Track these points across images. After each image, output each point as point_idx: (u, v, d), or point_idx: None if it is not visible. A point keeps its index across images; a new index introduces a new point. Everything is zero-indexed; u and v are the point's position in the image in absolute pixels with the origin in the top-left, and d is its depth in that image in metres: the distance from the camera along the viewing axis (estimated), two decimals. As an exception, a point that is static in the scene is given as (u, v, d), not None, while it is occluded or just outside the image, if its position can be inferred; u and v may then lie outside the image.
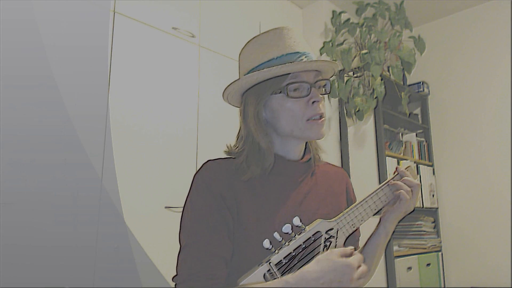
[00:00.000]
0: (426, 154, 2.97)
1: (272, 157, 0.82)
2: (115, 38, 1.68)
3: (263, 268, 0.68)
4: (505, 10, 2.73)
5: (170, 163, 1.79)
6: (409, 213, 0.89)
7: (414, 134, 2.95)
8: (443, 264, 2.79)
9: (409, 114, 2.90)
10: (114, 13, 1.69)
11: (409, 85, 2.99)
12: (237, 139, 0.88)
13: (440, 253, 2.79)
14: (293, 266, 0.70)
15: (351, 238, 0.82)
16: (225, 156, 0.87)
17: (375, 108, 2.53)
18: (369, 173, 2.51)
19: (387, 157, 2.52)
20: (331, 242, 0.76)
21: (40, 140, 1.40)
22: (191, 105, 1.93)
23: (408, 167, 0.90)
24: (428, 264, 2.65)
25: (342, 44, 2.55)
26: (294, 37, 0.84)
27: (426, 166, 2.88)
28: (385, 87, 2.40)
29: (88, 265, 1.45)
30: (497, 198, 2.62)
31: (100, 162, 1.55)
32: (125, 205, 1.59)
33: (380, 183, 0.88)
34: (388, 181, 0.87)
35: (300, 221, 0.72)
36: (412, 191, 0.86)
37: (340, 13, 2.60)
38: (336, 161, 2.48)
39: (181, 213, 0.81)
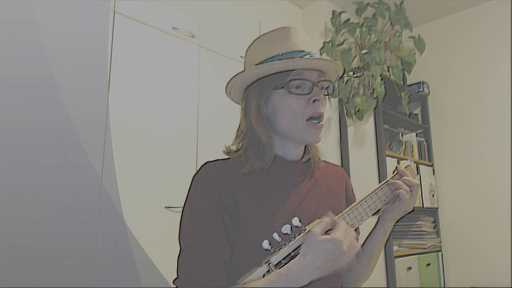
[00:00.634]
0: (426, 154, 2.97)
1: (272, 152, 0.83)
2: (115, 38, 1.68)
3: (263, 269, 0.68)
4: (505, 10, 2.72)
5: (170, 163, 1.79)
6: (408, 213, 0.89)
7: (414, 134, 2.95)
8: (443, 264, 2.79)
9: (409, 114, 2.90)
10: (114, 13, 1.69)
11: (409, 85, 2.99)
12: (237, 135, 0.88)
13: (440, 253, 2.79)
14: (293, 266, 0.70)
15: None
16: (224, 157, 0.87)
17: (375, 108, 2.53)
18: (369, 173, 2.51)
19: (387, 157, 2.52)
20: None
21: (40, 140, 1.40)
22: (191, 105, 1.93)
23: (407, 166, 0.90)
24: (428, 264, 2.65)
25: (342, 44, 2.55)
26: (301, 37, 0.84)
27: (426, 166, 2.88)
28: (385, 87, 2.40)
29: (88, 265, 1.45)
30: (497, 198, 2.62)
31: (100, 162, 1.55)
32: (125, 205, 1.59)
33: (380, 183, 0.87)
34: (388, 181, 0.87)
35: (300, 222, 0.72)
36: (411, 191, 0.85)
37: (340, 13, 2.60)
38: (336, 161, 2.48)
39: (181, 214, 0.81)
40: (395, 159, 2.64)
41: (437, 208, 2.87)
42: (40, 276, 1.32)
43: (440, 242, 2.83)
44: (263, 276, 0.68)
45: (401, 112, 2.90)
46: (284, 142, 0.85)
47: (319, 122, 0.82)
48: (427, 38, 2.74)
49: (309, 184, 0.87)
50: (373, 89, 2.38)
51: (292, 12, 2.73)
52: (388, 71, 2.73)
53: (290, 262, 0.67)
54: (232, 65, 2.13)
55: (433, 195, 2.85)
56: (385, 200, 0.86)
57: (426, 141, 3.00)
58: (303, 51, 0.82)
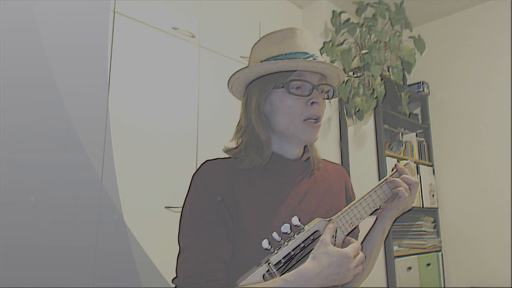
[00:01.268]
0: (426, 154, 2.97)
1: (270, 149, 0.83)
2: (115, 38, 1.68)
3: (262, 269, 0.68)
4: (505, 10, 2.72)
5: (170, 163, 1.79)
6: (407, 211, 0.89)
7: (414, 134, 2.95)
8: (443, 264, 2.79)
9: (409, 114, 2.90)
10: (114, 13, 1.69)
11: (409, 85, 2.98)
12: (236, 130, 0.88)
13: (440, 253, 2.79)
14: (292, 266, 0.70)
15: (351, 235, 0.81)
16: (225, 155, 0.87)
17: (375, 108, 2.53)
18: (369, 173, 2.51)
19: (387, 157, 2.52)
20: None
21: (40, 140, 1.41)
22: (191, 105, 1.93)
23: (406, 163, 0.90)
24: (428, 264, 2.65)
25: (342, 44, 2.55)
26: (306, 39, 0.85)
27: (426, 166, 2.88)
28: (385, 87, 2.40)
29: (88, 265, 1.45)
30: (497, 198, 2.62)
31: (100, 162, 1.55)
32: (125, 205, 1.59)
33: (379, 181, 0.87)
34: (387, 179, 0.87)
35: (299, 221, 0.72)
36: (410, 189, 0.85)
37: (340, 13, 2.60)
38: (336, 161, 2.48)
39: (180, 213, 0.81)
40: (395, 159, 2.64)
41: (437, 208, 2.87)
42: (40, 276, 1.32)
43: (440, 242, 2.83)
44: (263, 276, 0.68)
45: (401, 112, 2.90)
46: (282, 140, 0.86)
47: (316, 122, 0.82)
48: (427, 38, 2.74)
49: (308, 183, 0.87)
50: (373, 89, 2.38)
51: (292, 12, 2.73)
52: (388, 71, 2.73)
53: (296, 269, 0.68)
54: (232, 65, 2.13)
55: (433, 195, 2.85)
56: (384, 198, 0.86)
57: (426, 141, 3.00)
58: (306, 53, 0.82)
